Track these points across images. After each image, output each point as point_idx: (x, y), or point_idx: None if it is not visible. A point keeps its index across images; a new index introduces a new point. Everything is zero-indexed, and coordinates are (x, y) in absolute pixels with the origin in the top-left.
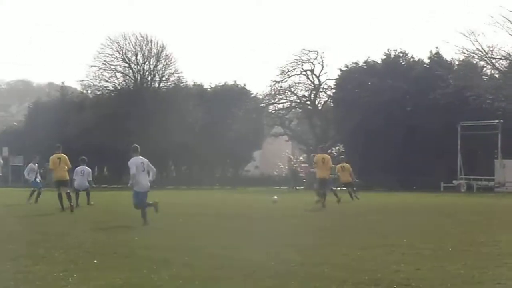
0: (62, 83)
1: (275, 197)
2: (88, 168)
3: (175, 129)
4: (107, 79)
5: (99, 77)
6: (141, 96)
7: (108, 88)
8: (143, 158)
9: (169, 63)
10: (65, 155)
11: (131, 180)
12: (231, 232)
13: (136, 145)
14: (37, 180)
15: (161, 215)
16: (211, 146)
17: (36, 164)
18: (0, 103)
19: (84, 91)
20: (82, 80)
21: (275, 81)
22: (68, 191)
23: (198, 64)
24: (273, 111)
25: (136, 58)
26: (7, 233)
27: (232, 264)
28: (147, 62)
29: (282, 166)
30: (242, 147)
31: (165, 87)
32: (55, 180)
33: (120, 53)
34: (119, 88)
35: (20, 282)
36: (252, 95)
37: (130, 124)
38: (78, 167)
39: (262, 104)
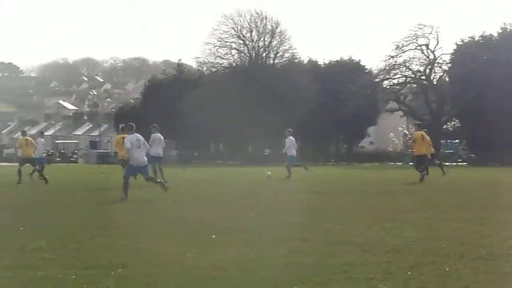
0: (179, 60)
1: (269, 172)
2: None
3: (290, 106)
4: (222, 56)
5: (214, 54)
6: (256, 73)
7: (223, 65)
8: (139, 135)
9: (283, 39)
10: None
11: (127, 155)
12: (348, 208)
13: (131, 124)
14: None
15: (275, 192)
16: (326, 122)
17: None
18: (117, 81)
19: (200, 68)
20: (198, 57)
21: (389, 56)
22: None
23: (312, 40)
24: (388, 86)
25: (251, 35)
26: (145, 212)
27: (349, 240)
28: (261, 39)
29: (397, 142)
30: (357, 123)
31: (280, 64)
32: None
33: (235, 30)
34: (234, 65)
35: (140, 256)
36: (367, 70)
37: (245, 101)
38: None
39: (376, 80)
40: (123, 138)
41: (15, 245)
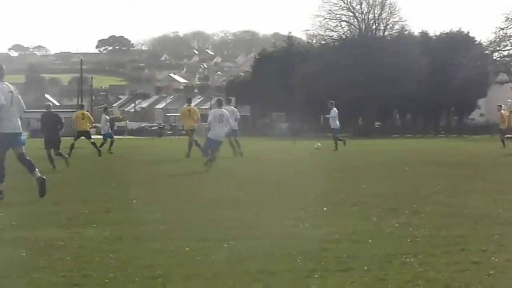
0: (289, 33)
1: (319, 144)
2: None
3: (400, 78)
4: (332, 28)
5: (324, 27)
6: (366, 46)
7: (333, 37)
8: (224, 111)
9: (393, 11)
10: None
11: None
12: (458, 180)
13: (221, 98)
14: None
15: (386, 164)
16: (436, 94)
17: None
18: (227, 54)
19: (309, 41)
20: (307, 30)
21: (499, 28)
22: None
23: (421, 13)
24: (498, 58)
25: (361, 7)
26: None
27: (460, 212)
28: (371, 11)
29: (508, 114)
30: (467, 95)
31: (389, 36)
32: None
33: (344, 2)
34: (343, 37)
35: (252, 228)
36: (476, 42)
37: (355, 74)
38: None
39: (486, 52)
40: (189, 110)
41: (129, 217)
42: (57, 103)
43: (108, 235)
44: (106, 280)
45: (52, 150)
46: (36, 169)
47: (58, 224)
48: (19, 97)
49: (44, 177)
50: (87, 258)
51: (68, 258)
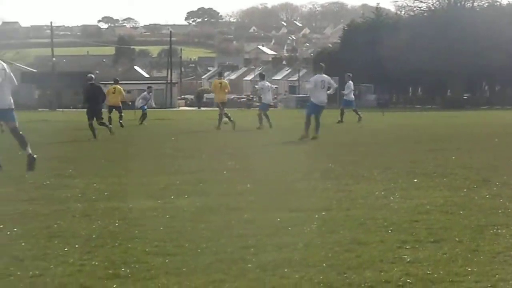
0: (377, 4)
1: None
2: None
3: (489, 50)
4: None
5: None
6: (455, 17)
7: (422, 8)
8: (325, 76)
9: None
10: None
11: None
12: None
13: (321, 64)
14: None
15: (473, 136)
16: None
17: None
18: (315, 26)
19: (398, 12)
20: (396, 1)
21: None
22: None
23: None
24: None
25: None
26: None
27: None
28: None
29: None
30: None
31: (479, 7)
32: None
33: None
34: (432, 8)
35: (343, 199)
36: None
37: (444, 45)
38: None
39: None
40: (220, 83)
41: (220, 188)
42: (146, 75)
43: (200, 206)
44: (199, 250)
45: (94, 119)
46: (28, 146)
47: (151, 195)
48: (11, 74)
49: (35, 156)
50: (180, 228)
51: (161, 228)
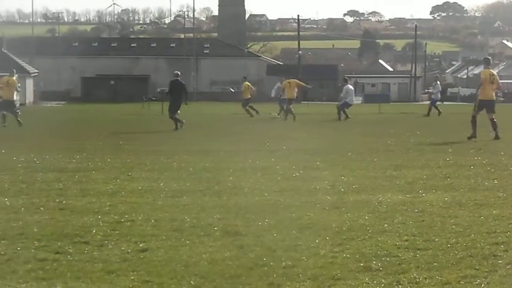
0: None
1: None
2: None
3: None
4: None
5: None
6: None
7: None
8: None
9: None
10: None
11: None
12: None
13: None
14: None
15: None
16: None
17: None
18: None
19: None
20: None
21: None
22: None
23: None
24: None
25: None
26: None
27: None
28: None
29: None
30: None
31: None
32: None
33: None
34: None
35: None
36: None
37: None
38: None
39: None
40: (289, 83)
41: (468, 183)
42: (390, 69)
43: (448, 200)
44: (449, 245)
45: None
46: None
47: (399, 189)
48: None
49: None
50: (429, 223)
51: (410, 222)
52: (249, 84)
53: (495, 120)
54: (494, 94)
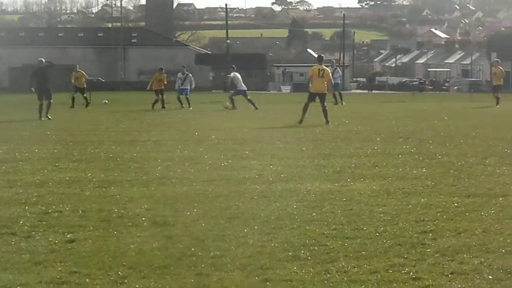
0: None
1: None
2: None
3: None
4: None
5: None
6: None
7: None
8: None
9: None
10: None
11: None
12: None
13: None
14: None
15: None
16: None
17: None
18: (488, 9)
19: None
20: None
21: None
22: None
23: None
24: None
25: None
26: None
27: None
28: None
29: None
30: None
31: None
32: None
33: None
34: None
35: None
36: None
37: None
38: None
39: None
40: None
41: (396, 172)
42: None
43: (376, 189)
44: (377, 234)
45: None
46: None
47: (327, 178)
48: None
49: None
50: (357, 212)
51: (339, 211)
52: None
53: (326, 108)
54: (324, 87)
